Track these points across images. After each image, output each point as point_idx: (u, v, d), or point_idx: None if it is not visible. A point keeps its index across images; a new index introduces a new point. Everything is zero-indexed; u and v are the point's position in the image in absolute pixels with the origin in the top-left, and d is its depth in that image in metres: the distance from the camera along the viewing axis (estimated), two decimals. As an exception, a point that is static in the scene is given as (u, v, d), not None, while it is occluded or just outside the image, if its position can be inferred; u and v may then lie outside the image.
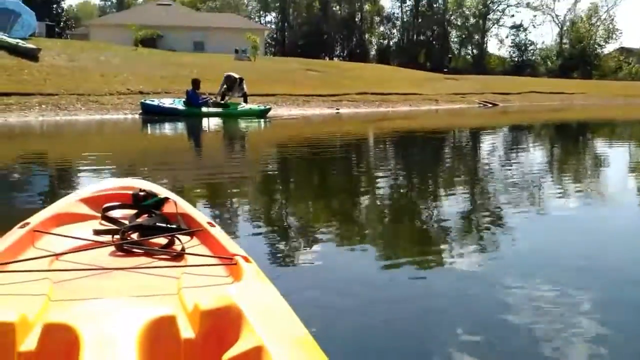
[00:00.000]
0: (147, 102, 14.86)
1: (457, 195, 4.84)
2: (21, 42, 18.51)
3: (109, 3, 71.70)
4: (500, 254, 2.90)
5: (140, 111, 14.78)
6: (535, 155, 8.54)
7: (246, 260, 1.39)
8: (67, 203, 1.87)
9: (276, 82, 21.54)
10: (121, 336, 0.91)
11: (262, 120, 15.27)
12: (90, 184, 2.06)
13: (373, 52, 62.54)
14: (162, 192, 1.95)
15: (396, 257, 2.90)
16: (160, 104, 14.80)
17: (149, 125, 13.26)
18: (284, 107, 18.34)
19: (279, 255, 2.87)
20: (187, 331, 1.05)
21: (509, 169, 6.68)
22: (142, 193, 1.85)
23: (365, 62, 45.88)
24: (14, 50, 17.82)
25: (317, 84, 23.64)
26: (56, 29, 35.02)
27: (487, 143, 10.90)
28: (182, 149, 9.50)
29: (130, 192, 1.89)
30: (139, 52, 23.89)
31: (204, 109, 15.16)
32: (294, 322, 1.06)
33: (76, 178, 5.67)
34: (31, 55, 17.88)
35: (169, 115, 14.32)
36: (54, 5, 48.13)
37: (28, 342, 0.97)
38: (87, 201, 1.89)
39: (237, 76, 16.43)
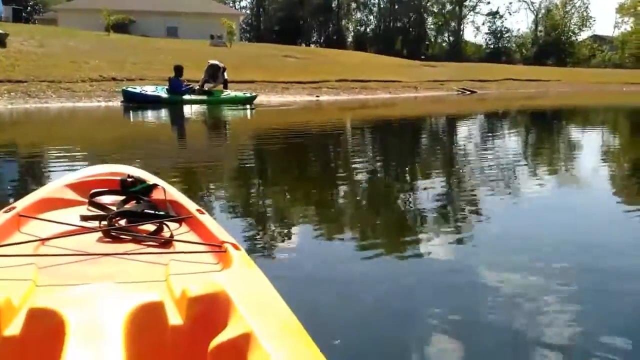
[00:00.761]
0: (129, 89, 14.30)
1: (439, 182, 4.77)
2: (-14, 27, 17.74)
3: (78, -13, 69.71)
4: (477, 239, 2.91)
5: (122, 99, 14.24)
6: (513, 141, 8.52)
7: (235, 247, 1.38)
8: (54, 188, 1.83)
9: (254, 69, 21.12)
10: (108, 322, 0.90)
11: (247, 107, 14.89)
12: (78, 170, 2.03)
13: (350, 39, 62.23)
14: (150, 178, 1.91)
15: (383, 244, 2.90)
16: (143, 92, 14.28)
17: (131, 112, 12.79)
18: (263, 94, 17.95)
19: (266, 242, 2.86)
20: (174, 318, 1.04)
21: (488, 155, 6.59)
22: (130, 179, 1.80)
23: (342, 48, 45.55)
24: (-22, 35, 17.07)
25: (296, 71, 23.28)
26: (23, 14, 33.76)
27: (466, 129, 10.80)
28: (167, 137, 9.14)
29: (118, 177, 1.84)
30: (110, 37, 23.16)
31: (188, 97, 14.73)
32: (283, 309, 1.06)
33: (59, 166, 5.37)
34: (-2, 40, 17.13)
35: (152, 103, 13.85)
36: (21, -11, 46.61)
37: (12, 327, 0.96)
38: (74, 186, 1.85)
39: (221, 65, 16.01)
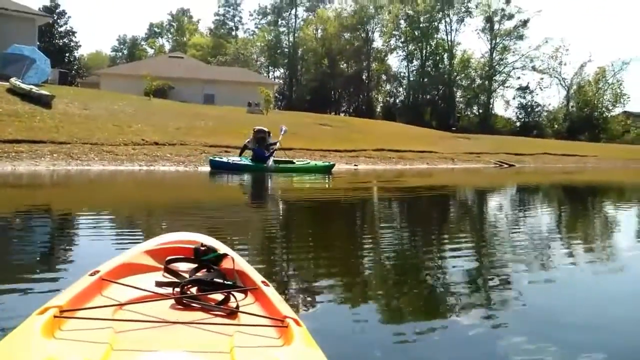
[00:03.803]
0: (216, 159, 15.07)
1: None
2: (34, 88, 18.12)
3: (120, 54, 73.03)
4: (501, 320, 2.77)
5: (210, 167, 14.81)
6: (560, 216, 8.19)
7: (297, 323, 1.42)
8: (133, 254, 1.93)
9: (291, 136, 21.02)
10: None
11: (326, 175, 15.04)
12: (156, 237, 2.11)
13: (378, 109, 63.08)
14: (221, 248, 1.99)
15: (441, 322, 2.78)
16: (230, 161, 15.09)
17: (217, 177, 13.40)
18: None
19: (325, 317, 2.79)
20: None
21: (534, 229, 6.25)
22: (203, 247, 1.88)
23: (371, 118, 46.05)
24: (26, 96, 17.39)
25: (332, 139, 23.19)
26: (69, 77, 34.99)
27: (514, 203, 10.15)
28: (245, 202, 8.98)
29: (192, 246, 1.93)
30: (152, 102, 23.56)
31: (272, 165, 15.15)
32: None
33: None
34: (44, 102, 17.42)
35: (239, 170, 14.59)
36: (67, 54, 48.86)
37: None
38: (151, 253, 1.95)
39: (266, 129, 15.99)
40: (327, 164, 16.54)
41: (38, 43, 26.78)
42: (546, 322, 2.70)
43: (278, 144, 15.72)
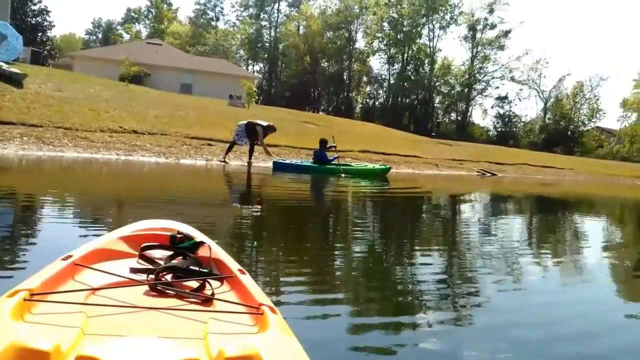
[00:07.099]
0: (280, 160, 15.12)
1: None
2: (5, 66, 16.92)
3: (94, 38, 70.81)
4: (465, 325, 2.81)
5: (273, 167, 14.47)
6: (539, 228, 8.12)
7: (272, 310, 1.40)
8: (108, 240, 1.88)
9: (276, 133, 20.30)
10: None
11: (382, 178, 14.86)
12: (132, 223, 2.05)
13: (357, 110, 62.70)
14: (198, 235, 1.96)
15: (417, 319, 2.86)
16: (292, 162, 15.13)
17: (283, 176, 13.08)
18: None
19: (301, 306, 2.78)
20: None
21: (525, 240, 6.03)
22: (179, 235, 1.86)
23: (350, 118, 45.62)
24: (-4, 74, 16.20)
25: (316, 138, 22.44)
26: (41, 57, 33.38)
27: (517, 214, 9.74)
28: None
29: (169, 233, 1.89)
30: (130, 88, 22.47)
31: (330, 166, 15.07)
32: None
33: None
34: (15, 80, 16.27)
35: (302, 172, 14.39)
36: (40, 34, 46.93)
37: None
38: (127, 239, 1.91)
39: (264, 124, 15.30)
40: (384, 167, 16.30)
41: (10, 20, 25.31)
42: (506, 327, 2.75)
43: (336, 155, 15.50)
